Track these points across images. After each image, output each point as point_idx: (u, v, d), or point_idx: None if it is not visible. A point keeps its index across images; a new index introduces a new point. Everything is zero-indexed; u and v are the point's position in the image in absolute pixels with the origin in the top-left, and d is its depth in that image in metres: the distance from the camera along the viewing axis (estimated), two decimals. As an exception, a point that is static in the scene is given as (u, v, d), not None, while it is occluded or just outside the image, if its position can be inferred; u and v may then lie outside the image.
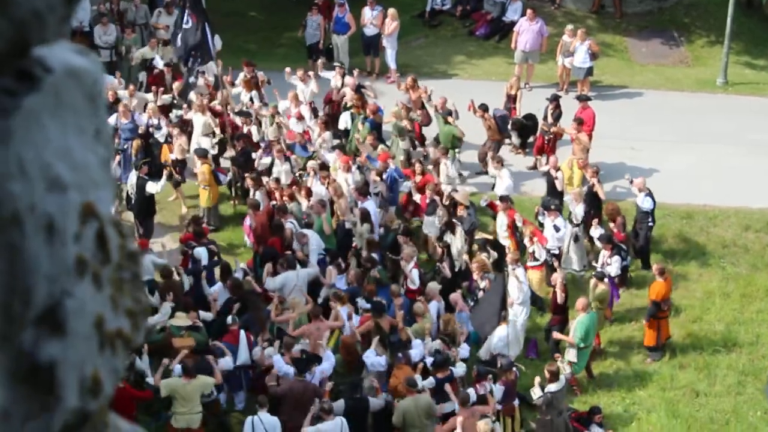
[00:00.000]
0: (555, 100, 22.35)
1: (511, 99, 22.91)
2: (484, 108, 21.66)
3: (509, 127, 22.58)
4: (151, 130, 21.37)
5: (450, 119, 21.22)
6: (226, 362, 15.54)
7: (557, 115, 22.09)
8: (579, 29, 25.35)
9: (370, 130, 21.34)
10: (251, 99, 22.42)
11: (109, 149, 1.71)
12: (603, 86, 26.10)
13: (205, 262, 17.62)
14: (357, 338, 16.29)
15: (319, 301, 17.29)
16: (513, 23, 26.90)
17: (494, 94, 23.14)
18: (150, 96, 22.34)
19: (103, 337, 1.60)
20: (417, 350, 15.91)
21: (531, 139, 23.00)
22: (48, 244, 1.51)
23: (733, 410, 16.84)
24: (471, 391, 15.39)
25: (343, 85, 22.99)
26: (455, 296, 17.63)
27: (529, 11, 25.81)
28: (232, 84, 22.77)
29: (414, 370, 15.53)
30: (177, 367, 15.08)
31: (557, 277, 17.54)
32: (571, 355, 16.90)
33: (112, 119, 21.08)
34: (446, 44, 28.55)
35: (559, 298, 17.42)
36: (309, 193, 19.38)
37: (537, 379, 15.75)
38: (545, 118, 22.24)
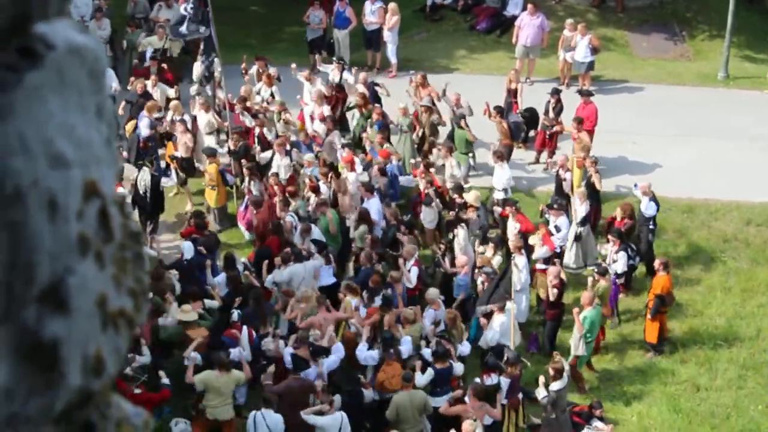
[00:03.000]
0: (556, 94, 22.28)
1: (512, 93, 22.81)
2: (500, 111, 21.49)
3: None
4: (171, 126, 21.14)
5: (462, 123, 20.94)
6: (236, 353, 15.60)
7: (559, 110, 22.03)
8: (580, 23, 25.33)
9: (378, 132, 21.10)
10: (272, 94, 22.12)
11: (111, 128, 1.70)
12: (604, 81, 26.08)
13: (189, 255, 17.40)
14: (359, 333, 16.24)
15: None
16: (514, 18, 26.87)
17: (495, 89, 23.10)
18: (172, 92, 22.18)
19: (105, 316, 1.59)
20: (406, 347, 15.81)
21: (532, 134, 22.98)
22: (50, 221, 1.50)
23: (734, 404, 16.84)
24: (477, 381, 15.39)
25: (341, 80, 22.84)
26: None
27: (529, 6, 25.76)
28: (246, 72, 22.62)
29: (404, 366, 15.46)
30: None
31: (552, 271, 17.45)
32: (580, 349, 16.80)
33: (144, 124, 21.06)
34: (447, 39, 28.52)
35: (551, 295, 17.32)
36: (315, 189, 19.24)
37: (541, 379, 15.59)
38: (546, 112, 22.19)
